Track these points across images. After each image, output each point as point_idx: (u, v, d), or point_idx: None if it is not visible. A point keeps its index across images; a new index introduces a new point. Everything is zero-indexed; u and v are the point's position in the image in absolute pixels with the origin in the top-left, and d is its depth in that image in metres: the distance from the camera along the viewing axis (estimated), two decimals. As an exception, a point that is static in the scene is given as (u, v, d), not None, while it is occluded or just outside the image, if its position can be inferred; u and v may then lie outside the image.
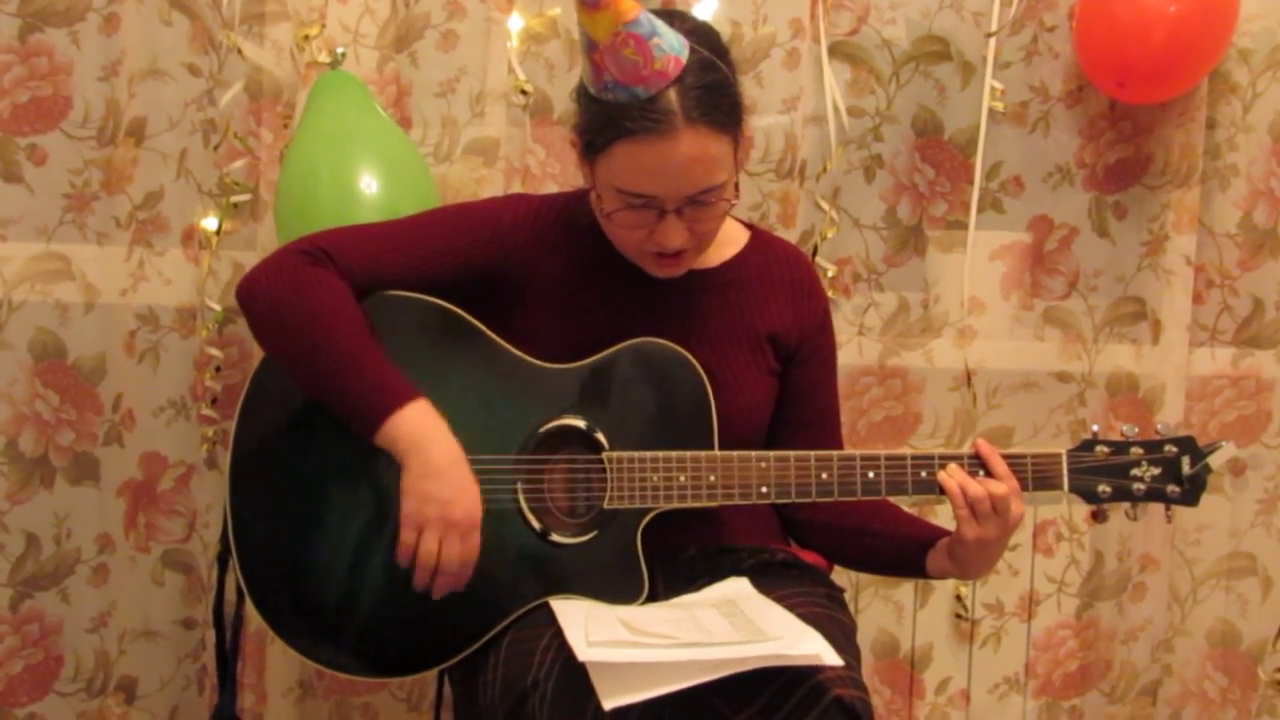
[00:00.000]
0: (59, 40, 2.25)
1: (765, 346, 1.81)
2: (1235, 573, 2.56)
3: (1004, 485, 1.67)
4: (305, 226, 1.82)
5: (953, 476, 1.68)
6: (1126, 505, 1.75)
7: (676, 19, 1.65)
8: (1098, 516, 1.76)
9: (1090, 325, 2.50)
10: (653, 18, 1.58)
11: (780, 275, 1.85)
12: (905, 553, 1.80)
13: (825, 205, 2.41)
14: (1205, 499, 1.76)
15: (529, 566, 1.67)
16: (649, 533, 1.69)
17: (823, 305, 1.89)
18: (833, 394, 1.92)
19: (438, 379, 1.66)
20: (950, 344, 2.47)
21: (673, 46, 1.58)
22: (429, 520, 1.57)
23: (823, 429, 1.89)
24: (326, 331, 1.63)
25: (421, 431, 1.59)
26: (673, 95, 1.58)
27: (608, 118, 1.60)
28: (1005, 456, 1.70)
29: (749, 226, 1.91)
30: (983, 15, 2.41)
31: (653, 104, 1.57)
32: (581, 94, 1.66)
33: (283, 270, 1.68)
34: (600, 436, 1.69)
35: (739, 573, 1.72)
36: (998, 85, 2.41)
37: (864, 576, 2.49)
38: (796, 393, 1.86)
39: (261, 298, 1.67)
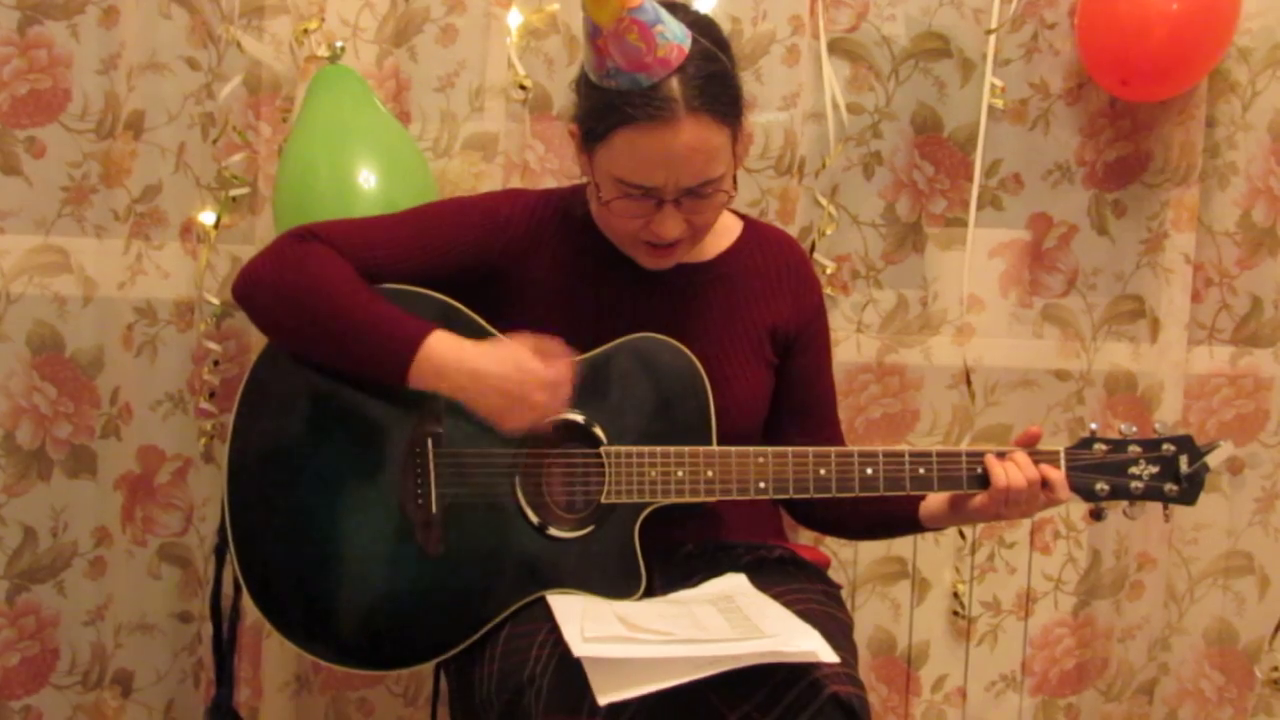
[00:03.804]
0: (58, 33, 2.25)
1: (764, 340, 1.82)
2: (1232, 571, 2.56)
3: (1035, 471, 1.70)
4: (303, 220, 1.82)
5: (996, 466, 1.71)
6: (1124, 504, 1.76)
7: (679, 10, 1.66)
8: (1095, 515, 1.76)
9: (1089, 323, 2.50)
10: (657, 6, 1.58)
11: (777, 267, 1.86)
12: (897, 506, 1.82)
13: (824, 202, 2.41)
14: (1203, 498, 1.77)
15: (526, 560, 1.67)
16: (646, 528, 1.69)
17: (818, 292, 1.90)
18: (829, 379, 1.93)
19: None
20: (949, 341, 2.47)
21: (676, 35, 1.58)
22: (529, 420, 1.63)
23: (821, 415, 1.90)
24: (327, 297, 1.64)
25: (446, 366, 1.61)
26: (675, 84, 1.58)
27: (609, 105, 1.60)
28: (1002, 453, 1.71)
29: (742, 217, 1.91)
30: (983, 12, 2.41)
31: (655, 92, 1.58)
32: (582, 82, 1.67)
33: (278, 253, 1.70)
34: (598, 431, 1.69)
35: (736, 569, 1.72)
36: (997, 82, 2.41)
37: (861, 574, 2.49)
38: (795, 381, 1.86)
39: (259, 284, 1.68)
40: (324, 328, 1.64)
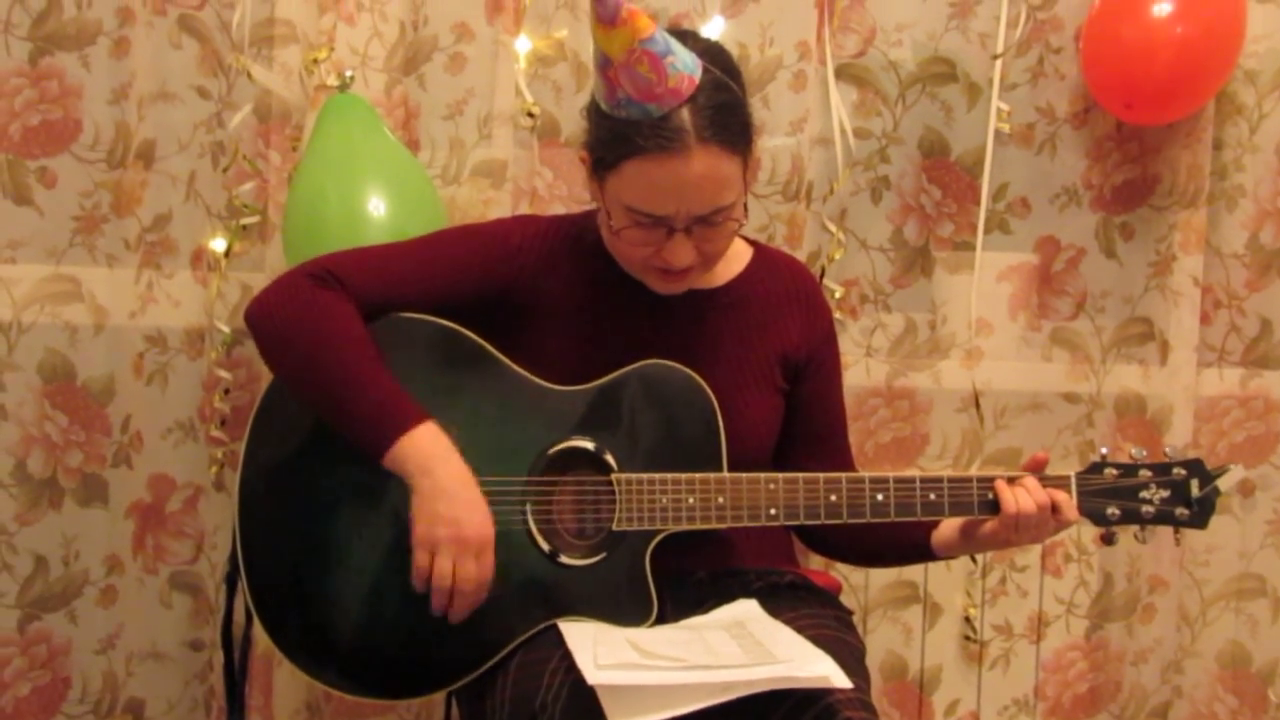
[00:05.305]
0: (69, 64, 2.27)
1: (774, 366, 1.82)
2: (1245, 594, 2.55)
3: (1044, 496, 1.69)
4: (313, 248, 1.83)
5: (1006, 491, 1.70)
6: (1135, 528, 1.75)
7: (689, 39, 1.66)
8: (1106, 539, 1.76)
9: (1098, 346, 2.50)
10: (668, 36, 1.58)
11: (786, 292, 1.86)
12: (909, 535, 1.81)
13: (832, 227, 2.41)
14: (1214, 520, 1.77)
15: (537, 588, 1.67)
16: (658, 555, 1.68)
17: (827, 317, 1.90)
18: (840, 405, 1.93)
19: (446, 401, 1.67)
20: (958, 365, 2.47)
21: (687, 65, 1.58)
22: (441, 541, 1.58)
23: (832, 440, 1.90)
24: (335, 354, 1.63)
25: (430, 454, 1.59)
26: (685, 114, 1.58)
27: (619, 135, 1.61)
28: (1012, 479, 1.71)
29: (751, 243, 1.91)
30: (989, 37, 2.42)
31: (665, 122, 1.58)
32: (593, 111, 1.67)
33: (292, 293, 1.69)
34: (609, 458, 1.69)
35: (748, 595, 1.72)
36: (1004, 107, 2.41)
37: (873, 598, 2.48)
38: (805, 407, 1.86)
39: (271, 320, 1.68)
40: (319, 381, 1.64)
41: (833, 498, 1.70)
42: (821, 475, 1.70)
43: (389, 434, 1.59)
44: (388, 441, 1.59)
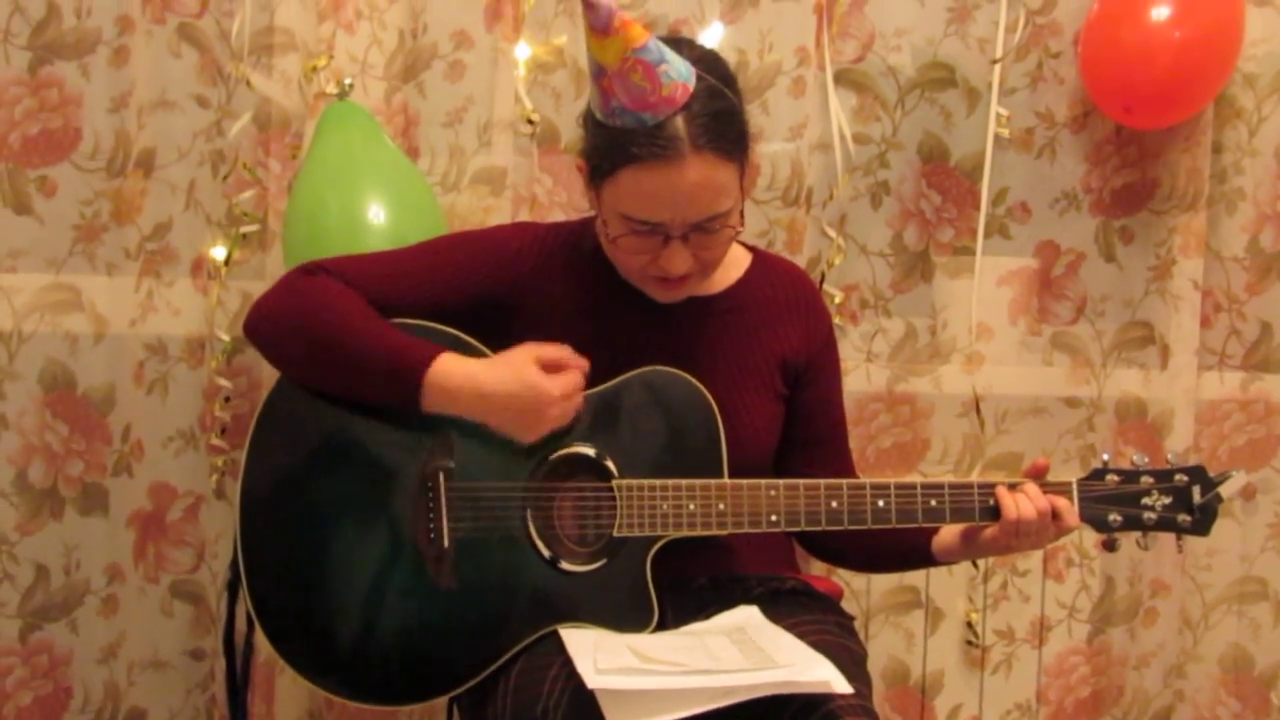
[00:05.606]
0: (69, 72, 2.27)
1: (774, 371, 1.82)
2: (1247, 597, 2.55)
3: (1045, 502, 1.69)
4: (313, 256, 1.83)
5: (1007, 497, 1.70)
6: (1137, 534, 1.75)
7: (684, 46, 1.66)
8: (1108, 545, 1.76)
9: (1098, 350, 2.50)
10: (661, 45, 1.58)
11: (785, 297, 1.86)
12: (910, 541, 1.81)
13: (832, 232, 2.41)
14: (1216, 524, 1.76)
15: (538, 594, 1.67)
16: (658, 561, 1.68)
17: (827, 322, 1.90)
18: (840, 410, 1.93)
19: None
20: (958, 370, 2.47)
21: (680, 74, 1.59)
22: (548, 429, 1.65)
23: (832, 446, 1.90)
24: (338, 325, 1.65)
25: (457, 389, 1.63)
26: (680, 122, 1.58)
27: (614, 143, 1.61)
28: (1013, 485, 1.70)
29: (750, 249, 1.91)
30: (988, 42, 2.42)
31: (660, 130, 1.58)
32: (588, 119, 1.67)
33: (288, 290, 1.71)
34: (609, 464, 1.69)
35: (749, 601, 1.72)
36: (1003, 111, 2.41)
37: (874, 604, 2.48)
38: (806, 412, 1.86)
39: (271, 317, 1.70)
40: (334, 357, 1.65)
41: (834, 504, 1.69)
42: (822, 481, 1.70)
43: (412, 385, 1.63)
44: (414, 392, 1.63)
